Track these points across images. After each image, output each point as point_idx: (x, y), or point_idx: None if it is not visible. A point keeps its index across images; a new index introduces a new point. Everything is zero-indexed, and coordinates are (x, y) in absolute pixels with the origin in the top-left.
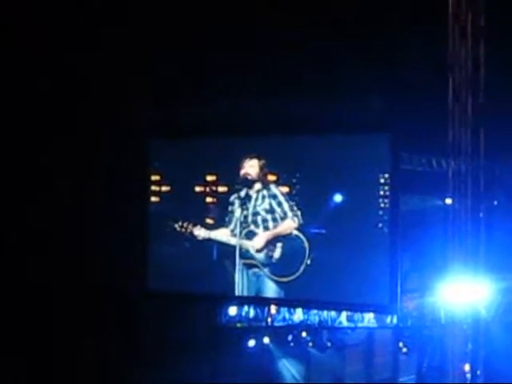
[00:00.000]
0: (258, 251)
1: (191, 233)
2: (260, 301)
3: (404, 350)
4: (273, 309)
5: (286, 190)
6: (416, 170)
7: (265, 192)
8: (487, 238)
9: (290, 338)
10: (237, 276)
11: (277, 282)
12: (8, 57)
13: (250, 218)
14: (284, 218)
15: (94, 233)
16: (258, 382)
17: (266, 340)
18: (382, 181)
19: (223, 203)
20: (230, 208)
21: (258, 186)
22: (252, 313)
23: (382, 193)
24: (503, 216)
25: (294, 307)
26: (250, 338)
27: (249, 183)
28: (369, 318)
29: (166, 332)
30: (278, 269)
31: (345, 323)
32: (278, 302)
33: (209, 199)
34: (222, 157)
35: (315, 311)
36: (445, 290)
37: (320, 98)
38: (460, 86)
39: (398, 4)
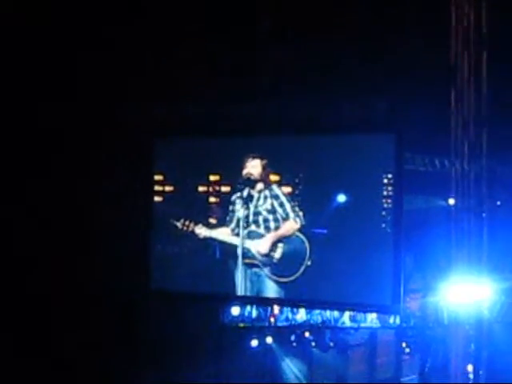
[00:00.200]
0: (263, 254)
1: (192, 231)
2: (263, 301)
3: (407, 350)
4: (276, 309)
5: (288, 190)
6: (419, 170)
7: (267, 192)
8: (490, 238)
9: (292, 337)
10: (238, 275)
11: (277, 282)
12: (8, 57)
13: (251, 218)
14: (286, 218)
15: (98, 233)
16: (260, 382)
17: (269, 340)
18: (386, 181)
19: (226, 203)
20: (231, 207)
21: (260, 186)
22: (255, 313)
23: (385, 193)
24: (506, 216)
25: (297, 307)
26: (252, 338)
27: (251, 183)
28: (372, 318)
29: (168, 332)
30: (278, 269)
31: (348, 323)
32: (281, 302)
33: (212, 199)
34: (225, 156)
35: (318, 311)
36: (448, 290)
37: (324, 98)
38: (463, 87)
39: (403, 4)
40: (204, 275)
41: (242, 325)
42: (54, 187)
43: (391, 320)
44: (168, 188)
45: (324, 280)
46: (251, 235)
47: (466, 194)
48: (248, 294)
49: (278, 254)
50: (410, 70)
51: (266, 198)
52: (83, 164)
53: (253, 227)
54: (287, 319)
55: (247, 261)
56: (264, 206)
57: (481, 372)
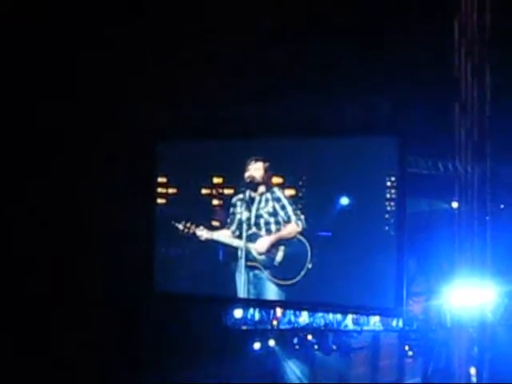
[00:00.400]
0: (261, 254)
1: (194, 233)
2: (266, 303)
3: (410, 353)
4: (278, 312)
5: (292, 192)
6: (422, 172)
7: (268, 195)
8: (493, 241)
9: (295, 340)
10: (239, 278)
11: (278, 285)
12: (8, 57)
13: (252, 221)
14: (287, 221)
15: (101, 235)
16: None
17: (272, 343)
18: (389, 184)
19: (229, 205)
20: (231, 209)
21: (261, 188)
22: (257, 315)
23: (388, 196)
24: (509, 219)
25: (300, 310)
26: (255, 341)
27: (254, 186)
28: (374, 321)
29: (171, 334)
30: (279, 272)
31: (350, 326)
32: (284, 305)
33: (215, 201)
34: (228, 159)
35: (321, 314)
36: (451, 293)
37: (327, 100)
38: (466, 89)
39: (408, 5)
40: (207, 277)
41: (244, 327)
42: (54, 187)
43: (394, 323)
44: (171, 190)
45: (326, 283)
46: (252, 238)
47: (469, 197)
48: (249, 296)
49: (279, 257)
50: (412, 71)
51: (267, 200)
52: (83, 164)
53: (254, 230)
54: (290, 322)
55: (248, 263)
56: (266, 208)
57: (484, 375)
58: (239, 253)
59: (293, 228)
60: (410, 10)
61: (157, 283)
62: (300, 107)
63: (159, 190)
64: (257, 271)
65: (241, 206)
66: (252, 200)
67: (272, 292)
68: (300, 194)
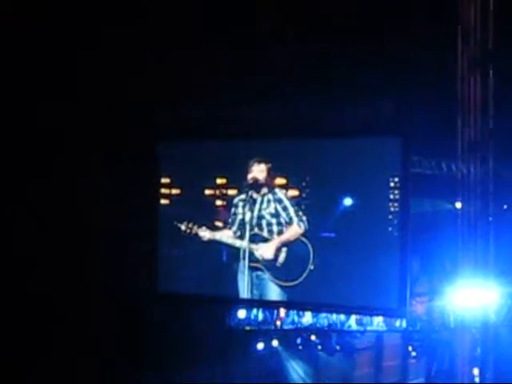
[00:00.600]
0: (268, 260)
1: (196, 234)
2: (269, 304)
3: (413, 353)
4: (282, 312)
5: (295, 193)
6: (425, 173)
7: (270, 196)
8: (497, 241)
9: (298, 341)
10: (242, 279)
11: (280, 286)
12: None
13: (254, 221)
14: (289, 223)
15: (102, 235)
16: None
17: (275, 343)
18: (392, 184)
19: (231, 206)
20: (233, 210)
21: (264, 189)
22: (261, 316)
23: (391, 196)
24: None
25: (304, 310)
26: (258, 341)
27: (258, 188)
28: (378, 322)
29: (174, 334)
30: (281, 273)
31: (354, 327)
32: (288, 305)
33: (218, 202)
34: (232, 160)
35: (324, 315)
36: (454, 293)
37: (330, 100)
38: (469, 89)
39: (410, 5)
40: (210, 278)
41: (248, 328)
42: (54, 187)
43: (397, 323)
44: (175, 191)
45: (330, 283)
46: (254, 238)
47: (472, 197)
48: (251, 297)
49: (281, 259)
50: (416, 71)
51: (269, 201)
52: (83, 164)
53: (256, 230)
54: (293, 322)
55: (251, 264)
56: (267, 209)
57: (487, 376)
58: (241, 254)
59: (295, 230)
60: (412, 11)
61: (159, 284)
62: (303, 108)
63: (163, 190)
64: (259, 272)
65: (242, 207)
66: (254, 201)
67: (274, 293)
68: (303, 195)
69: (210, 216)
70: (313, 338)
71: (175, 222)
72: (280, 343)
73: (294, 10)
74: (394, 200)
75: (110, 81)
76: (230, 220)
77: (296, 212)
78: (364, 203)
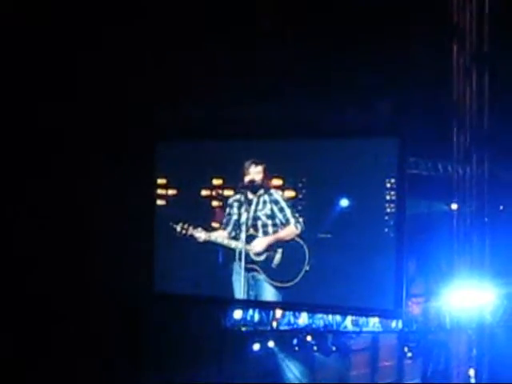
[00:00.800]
0: (258, 254)
1: (192, 235)
2: (265, 305)
3: (409, 354)
4: (278, 313)
5: (291, 194)
6: (422, 174)
7: (266, 197)
8: (492, 242)
9: (294, 341)
10: (238, 279)
11: (276, 288)
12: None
13: (249, 222)
14: (286, 223)
15: (101, 235)
16: None
17: (271, 344)
18: (388, 185)
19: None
20: (228, 210)
21: (260, 190)
22: (257, 316)
23: (388, 197)
24: (508, 221)
25: (300, 311)
26: (254, 342)
27: (255, 189)
28: (374, 323)
29: (171, 335)
30: (276, 274)
31: (350, 327)
32: (283, 306)
33: (215, 203)
34: (228, 160)
35: (320, 315)
36: (450, 294)
37: (328, 101)
38: (465, 92)
39: (408, 7)
40: (206, 278)
41: (244, 328)
42: (54, 187)
43: (393, 324)
44: (171, 191)
45: (326, 284)
46: (249, 239)
47: (468, 198)
48: (247, 298)
49: (276, 260)
50: (413, 73)
51: (265, 202)
52: (83, 164)
53: (251, 231)
54: (289, 323)
55: (246, 265)
56: (263, 210)
57: (483, 376)
58: (237, 254)
59: (291, 230)
60: (410, 12)
61: (157, 284)
62: (300, 108)
63: (160, 191)
64: (255, 273)
65: (237, 208)
66: (249, 201)
67: (270, 294)
68: (300, 196)
69: (206, 217)
70: (309, 338)
71: (171, 223)
72: (276, 344)
73: (294, 10)
74: (391, 201)
75: (109, 81)
76: (224, 221)
77: (293, 213)
78: (360, 204)
